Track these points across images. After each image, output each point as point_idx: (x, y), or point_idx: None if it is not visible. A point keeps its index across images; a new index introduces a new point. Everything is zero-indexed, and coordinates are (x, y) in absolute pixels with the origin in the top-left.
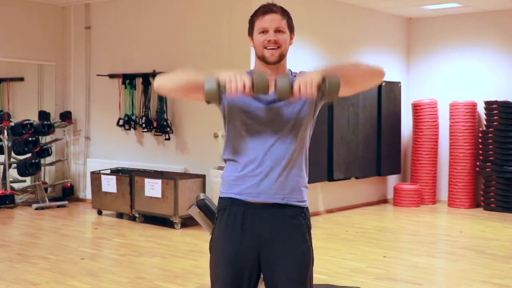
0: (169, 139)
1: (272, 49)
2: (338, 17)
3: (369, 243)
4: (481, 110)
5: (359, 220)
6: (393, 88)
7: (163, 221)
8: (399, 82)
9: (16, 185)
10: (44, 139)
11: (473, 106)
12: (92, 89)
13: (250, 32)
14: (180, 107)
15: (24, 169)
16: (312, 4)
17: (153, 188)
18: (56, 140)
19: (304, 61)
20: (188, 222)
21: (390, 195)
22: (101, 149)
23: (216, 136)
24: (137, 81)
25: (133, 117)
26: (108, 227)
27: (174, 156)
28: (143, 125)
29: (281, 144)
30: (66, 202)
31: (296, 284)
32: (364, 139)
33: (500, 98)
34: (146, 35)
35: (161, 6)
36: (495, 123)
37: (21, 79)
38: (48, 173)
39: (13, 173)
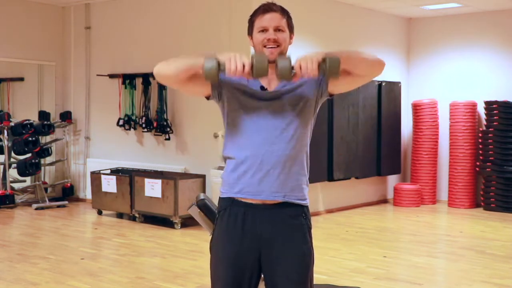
0: (169, 139)
1: (271, 47)
2: (338, 17)
3: (369, 243)
4: (481, 110)
5: (359, 220)
6: (393, 88)
7: (163, 221)
8: (399, 82)
9: (16, 185)
10: (44, 139)
11: (473, 106)
12: (92, 89)
13: (250, 32)
14: (180, 107)
15: (24, 169)
16: (312, 4)
17: (153, 188)
18: (56, 140)
19: None
20: (188, 222)
21: (390, 195)
22: (101, 149)
23: (216, 136)
24: (137, 81)
25: (133, 117)
26: (108, 227)
27: (174, 156)
28: (143, 125)
29: (282, 141)
30: (66, 202)
31: (297, 285)
32: (364, 139)
33: (500, 98)
34: (146, 35)
35: (161, 6)
36: (495, 123)
37: (21, 79)
38: (48, 173)
39: (13, 173)
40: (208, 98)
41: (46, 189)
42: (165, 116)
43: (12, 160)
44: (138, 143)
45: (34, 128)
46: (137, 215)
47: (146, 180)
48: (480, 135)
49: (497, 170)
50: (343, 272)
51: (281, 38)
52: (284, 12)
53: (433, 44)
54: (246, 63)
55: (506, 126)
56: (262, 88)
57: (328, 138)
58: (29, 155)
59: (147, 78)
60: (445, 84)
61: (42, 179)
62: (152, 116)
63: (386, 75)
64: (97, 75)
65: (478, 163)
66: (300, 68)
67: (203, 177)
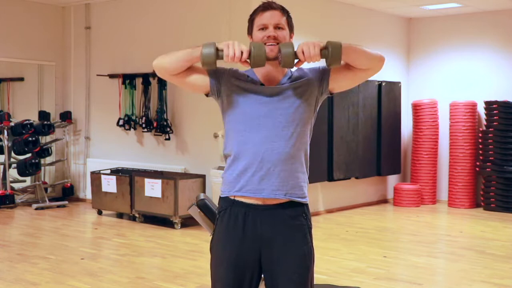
0: (169, 139)
1: (271, 45)
2: (338, 17)
3: (369, 243)
4: (481, 110)
5: (359, 220)
6: (393, 88)
7: (163, 221)
8: (399, 82)
9: (16, 185)
10: (44, 139)
11: (473, 106)
12: (92, 89)
13: (250, 31)
14: (180, 107)
15: (24, 169)
16: (312, 4)
17: (153, 188)
18: (56, 140)
19: None
20: (188, 222)
21: (390, 195)
22: (101, 149)
23: (216, 136)
24: (137, 81)
25: (133, 117)
26: (108, 227)
27: (174, 156)
28: (143, 125)
29: (282, 139)
30: (66, 202)
31: (297, 285)
32: (364, 139)
33: (500, 98)
34: (146, 35)
35: (161, 6)
36: (495, 123)
37: (21, 79)
38: (48, 173)
39: (13, 173)
40: (207, 95)
41: (46, 189)
42: (165, 116)
43: (12, 160)
44: (138, 143)
45: (34, 128)
46: (137, 215)
47: (146, 180)
48: (480, 135)
49: (497, 170)
50: (343, 272)
51: (281, 36)
52: (284, 11)
53: (433, 44)
54: (244, 50)
55: (506, 126)
56: (262, 85)
57: (328, 138)
58: (29, 155)
59: (147, 78)
60: (445, 84)
61: (42, 179)
62: (152, 116)
63: (386, 75)
64: (97, 75)
65: (478, 163)
66: (303, 53)
67: (203, 177)
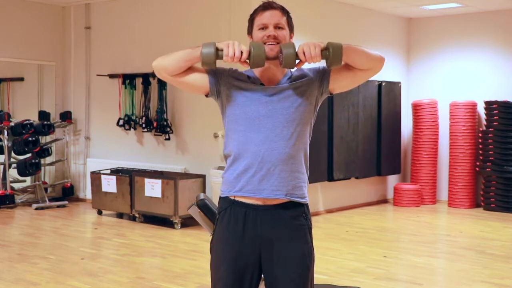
0: (169, 139)
1: (271, 44)
2: (338, 17)
3: (369, 243)
4: (481, 110)
5: (359, 220)
6: (393, 88)
7: (163, 221)
8: (399, 82)
9: (16, 185)
10: (44, 139)
11: (473, 106)
12: (92, 89)
13: (250, 31)
14: (180, 107)
15: (24, 169)
16: (312, 4)
17: (153, 188)
18: (56, 140)
19: None
20: (188, 222)
21: (390, 195)
22: (101, 149)
23: (216, 136)
24: (137, 81)
25: (133, 117)
26: (108, 227)
27: (174, 156)
28: (143, 125)
29: (282, 139)
30: (66, 202)
31: (297, 285)
32: (364, 139)
33: (500, 98)
34: (146, 35)
35: (161, 6)
36: (495, 123)
37: (21, 79)
38: (48, 173)
39: (13, 173)
40: (207, 95)
41: (46, 189)
42: (165, 116)
43: (12, 160)
44: (138, 143)
45: (34, 128)
46: (137, 215)
47: (146, 180)
48: (480, 135)
49: (497, 170)
50: (343, 272)
51: (281, 36)
52: (284, 11)
53: (433, 44)
54: (244, 50)
55: (506, 126)
56: (262, 85)
57: (328, 138)
58: (29, 155)
59: (147, 78)
60: (445, 84)
61: (42, 179)
62: (152, 116)
63: (386, 75)
64: (97, 75)
65: (478, 163)
66: (304, 54)
67: (203, 177)
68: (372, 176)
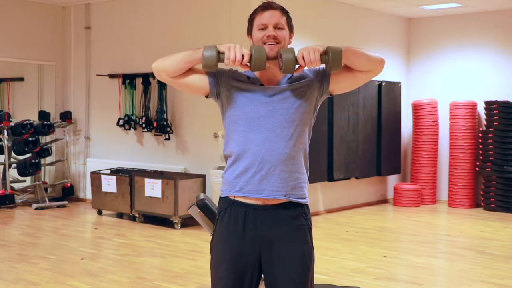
0: (169, 139)
1: (271, 44)
2: (338, 17)
3: (369, 243)
4: (481, 110)
5: (359, 220)
6: (393, 88)
7: (163, 221)
8: (399, 82)
9: (16, 185)
10: (44, 139)
11: (473, 106)
12: (92, 89)
13: (249, 31)
14: (180, 107)
15: (24, 169)
16: (312, 4)
17: (153, 188)
18: (56, 140)
19: None
20: (188, 222)
21: (390, 195)
22: (101, 149)
23: (216, 136)
24: (137, 81)
25: (133, 117)
26: (108, 227)
27: (174, 156)
28: (143, 125)
29: (282, 140)
30: (66, 202)
31: (297, 285)
32: (364, 139)
33: (500, 98)
34: (146, 35)
35: (161, 6)
36: (495, 123)
37: (21, 79)
38: (48, 173)
39: (13, 173)
40: (207, 96)
41: (46, 189)
42: (165, 116)
43: (12, 160)
44: (138, 143)
45: (34, 128)
46: (137, 215)
47: (146, 180)
48: (480, 135)
49: (497, 170)
50: (343, 272)
51: (280, 36)
52: (284, 11)
53: (433, 44)
54: (245, 53)
55: (506, 126)
56: (262, 85)
57: (328, 138)
58: (29, 155)
59: (147, 78)
60: (445, 84)
61: (42, 179)
62: (152, 116)
63: (386, 75)
64: (97, 75)
65: (478, 163)
66: (303, 58)
67: (203, 177)
68: (372, 176)
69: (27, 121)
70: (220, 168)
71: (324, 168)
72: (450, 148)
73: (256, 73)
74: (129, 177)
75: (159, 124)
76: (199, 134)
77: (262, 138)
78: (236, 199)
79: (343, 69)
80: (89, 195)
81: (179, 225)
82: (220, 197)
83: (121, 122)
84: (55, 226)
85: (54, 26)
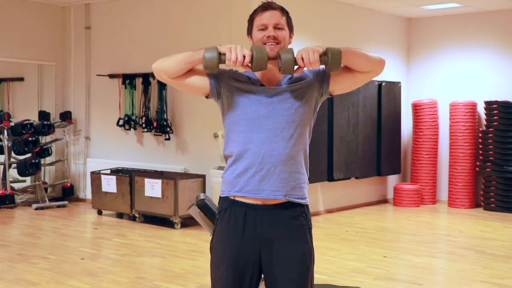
0: (169, 139)
1: (271, 44)
2: (338, 17)
3: (369, 243)
4: (481, 110)
5: (359, 220)
6: (393, 88)
7: (163, 221)
8: (399, 82)
9: (16, 185)
10: (44, 139)
11: (473, 106)
12: (92, 89)
13: (249, 31)
14: (180, 107)
15: (24, 169)
16: (312, 4)
17: (153, 188)
18: (56, 140)
19: None
20: (188, 222)
21: (390, 195)
22: (101, 149)
23: (216, 136)
24: (137, 81)
25: (133, 117)
26: (108, 227)
27: (174, 156)
28: (143, 125)
29: (282, 140)
30: (66, 202)
31: (297, 285)
32: (364, 139)
33: (500, 98)
34: (146, 35)
35: (161, 6)
36: (495, 123)
37: (21, 79)
38: (48, 173)
39: (13, 173)
40: (207, 96)
41: (46, 189)
42: (165, 116)
43: (12, 160)
44: (138, 143)
45: (34, 128)
46: (137, 215)
47: (146, 180)
48: (480, 135)
49: (497, 170)
50: (343, 272)
51: (280, 36)
52: (283, 11)
53: (433, 44)
54: (246, 54)
55: (506, 126)
56: (262, 86)
57: (328, 138)
58: (29, 155)
59: (147, 78)
60: (445, 84)
61: (42, 179)
62: (152, 116)
63: (386, 75)
64: (97, 75)
65: (478, 163)
66: (303, 59)
67: (203, 177)
68: (372, 176)
69: (27, 121)
70: (220, 168)
71: (324, 168)
72: (450, 148)
73: (257, 74)
74: (129, 177)
75: (159, 124)
76: (199, 134)
77: (262, 138)
78: (236, 199)
79: (343, 70)
80: (89, 195)
81: (179, 225)
82: (220, 197)
83: (121, 122)
84: (55, 226)
85: (54, 26)
